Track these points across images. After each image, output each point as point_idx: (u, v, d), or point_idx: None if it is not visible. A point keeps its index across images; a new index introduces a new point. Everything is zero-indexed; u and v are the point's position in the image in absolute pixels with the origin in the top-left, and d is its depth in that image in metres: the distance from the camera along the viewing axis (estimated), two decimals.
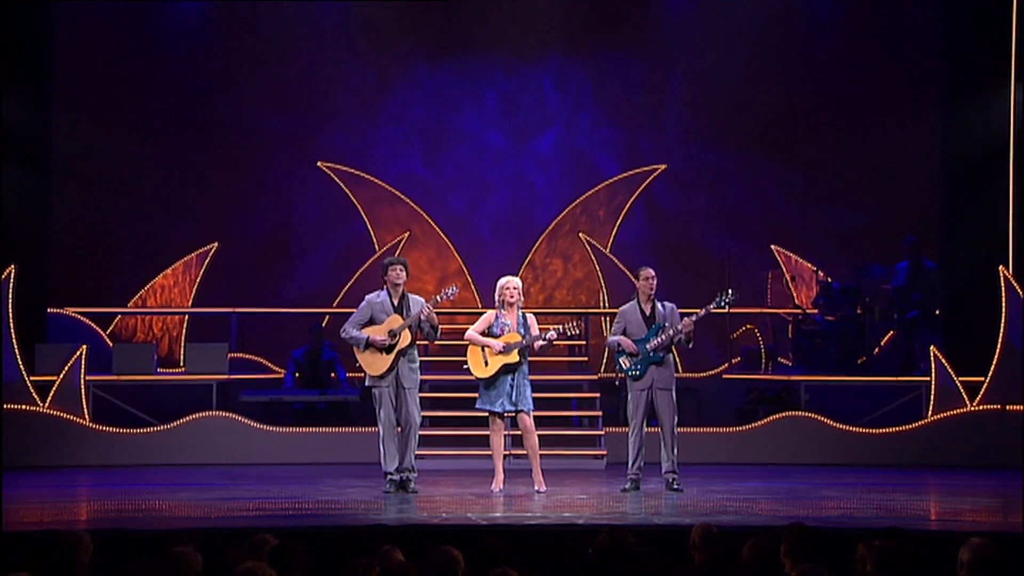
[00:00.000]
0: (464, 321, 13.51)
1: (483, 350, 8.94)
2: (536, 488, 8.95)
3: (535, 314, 9.35)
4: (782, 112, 13.42)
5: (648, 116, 13.68)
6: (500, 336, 8.95)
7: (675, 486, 9.01)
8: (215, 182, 13.45)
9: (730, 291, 9.08)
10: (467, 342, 9.05)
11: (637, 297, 9.16)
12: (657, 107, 13.65)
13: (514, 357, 8.88)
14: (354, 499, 8.81)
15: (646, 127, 13.71)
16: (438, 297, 8.89)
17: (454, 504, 8.58)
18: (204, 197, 13.42)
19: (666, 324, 9.04)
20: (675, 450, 9.07)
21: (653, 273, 9.14)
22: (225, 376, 11.91)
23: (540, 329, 9.00)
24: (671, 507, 8.40)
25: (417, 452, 9.15)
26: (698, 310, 9.04)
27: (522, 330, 8.96)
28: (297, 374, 12.52)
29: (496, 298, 9.09)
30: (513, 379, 8.89)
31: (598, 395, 11.65)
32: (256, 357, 12.95)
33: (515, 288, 9.01)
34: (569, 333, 8.98)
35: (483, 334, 9.02)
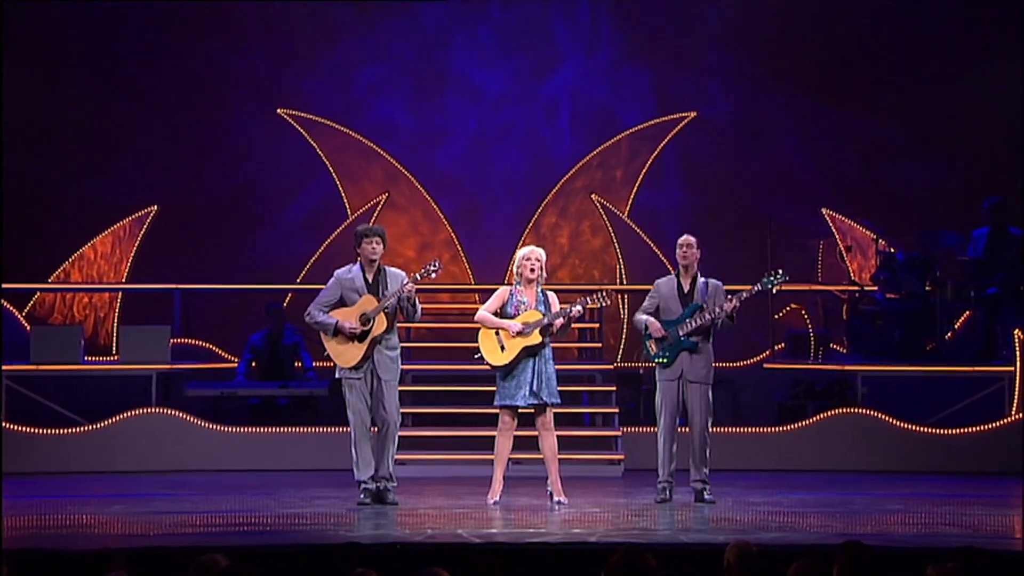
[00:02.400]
0: (447, 300, 13.54)
1: (497, 333, 8.91)
2: (556, 499, 8.95)
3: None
4: (841, 50, 13.36)
5: (679, 54, 13.62)
6: (516, 317, 8.92)
7: (706, 496, 9.01)
8: (155, 133, 13.41)
9: (780, 271, 9.04)
10: (478, 324, 9.01)
11: (678, 270, 9.15)
12: (690, 43, 13.59)
13: (535, 338, 8.85)
14: (322, 512, 8.81)
15: (676, 68, 13.65)
16: (418, 274, 8.84)
17: (441, 518, 8.58)
18: (141, 151, 13.39)
19: (705, 305, 9.01)
20: (707, 455, 9.05)
21: (693, 241, 9.10)
22: (167, 366, 11.90)
23: (562, 307, 8.95)
24: (701, 522, 8.40)
25: (397, 456, 9.14)
26: (748, 287, 8.99)
27: (542, 308, 8.94)
28: (254, 363, 12.51)
29: (514, 271, 9.06)
30: (535, 365, 8.88)
31: (614, 388, 11.64)
32: (204, 343, 12.94)
33: (537, 261, 8.96)
34: (598, 304, 8.94)
35: (495, 314, 8.99)
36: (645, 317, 9.13)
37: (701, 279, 9.11)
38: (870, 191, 13.32)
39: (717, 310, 8.95)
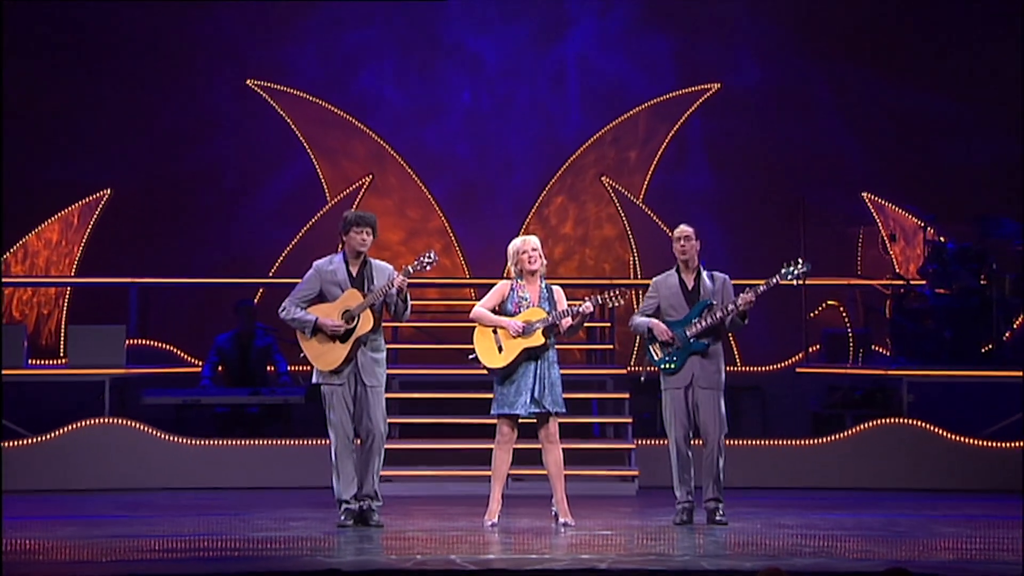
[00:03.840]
0: (436, 296, 13.50)
1: (495, 332, 8.93)
2: (562, 521, 8.95)
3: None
4: (887, 10, 13.31)
5: (703, 17, 13.59)
6: (517, 314, 8.93)
7: (719, 518, 9.00)
8: (109, 107, 13.38)
9: (801, 261, 8.99)
10: (474, 322, 9.02)
11: (677, 265, 9.13)
12: (715, 5, 13.55)
13: (537, 339, 8.85)
14: (298, 536, 8.79)
15: (700, 33, 13.62)
16: (410, 267, 8.81)
17: (432, 542, 8.57)
18: (94, 127, 13.36)
19: (713, 302, 8.99)
20: (721, 471, 9.03)
21: (691, 232, 9.07)
22: (122, 370, 11.87)
23: (569, 305, 8.93)
24: (725, 546, 8.37)
25: (383, 472, 9.13)
26: (760, 282, 8.96)
27: (546, 305, 8.95)
28: (220, 367, 12.50)
29: (512, 266, 9.06)
30: (538, 369, 8.88)
31: (627, 396, 11.63)
32: (164, 344, 12.92)
33: (535, 250, 8.96)
34: (611, 304, 8.93)
35: (494, 311, 9.00)
36: (646, 320, 9.09)
37: (705, 273, 9.08)
38: (918, 171, 13.27)
39: (730, 307, 8.91)
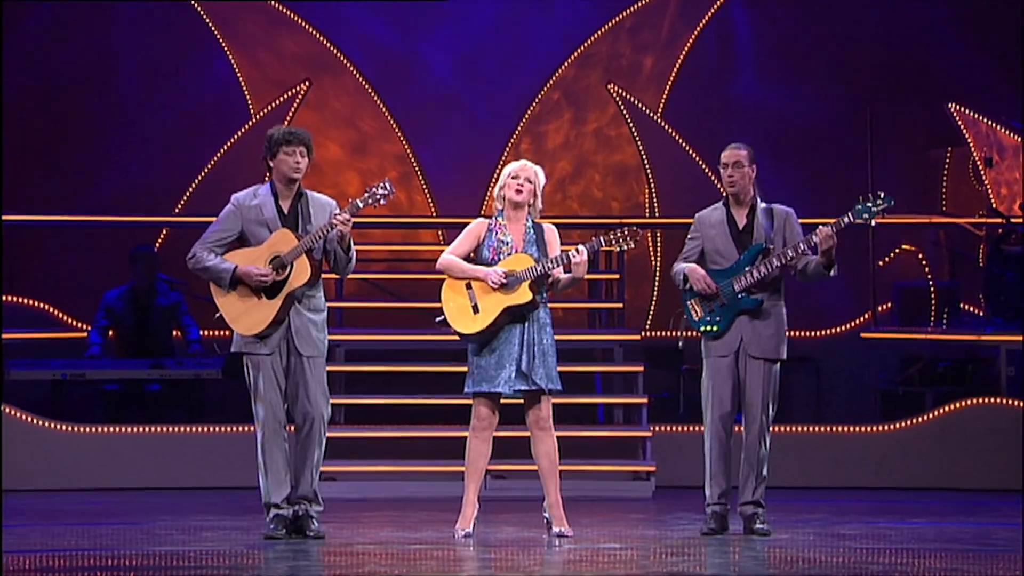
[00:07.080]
0: (380, 238, 13.40)
1: (469, 287, 8.96)
2: (556, 530, 9.00)
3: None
4: None
5: None
6: (496, 263, 8.95)
7: (759, 526, 9.06)
8: None
9: (881, 195, 8.97)
10: (441, 273, 9.03)
11: (726, 198, 9.14)
12: None
13: (523, 294, 8.86)
14: (213, 549, 8.82)
15: None
16: (359, 201, 8.83)
17: (388, 558, 8.61)
18: None
19: (771, 246, 9.00)
20: (765, 466, 9.07)
21: (743, 155, 9.04)
22: None
23: (563, 251, 8.92)
24: (758, 564, 8.42)
25: (324, 468, 9.17)
26: (834, 220, 8.93)
27: (533, 251, 8.97)
28: (111, 331, 12.53)
29: (495, 194, 9.07)
30: (525, 335, 8.91)
31: (641, 368, 11.68)
32: (36, 302, 12.96)
33: (528, 181, 8.90)
34: (618, 248, 8.93)
35: (468, 259, 9.02)
36: (685, 266, 9.10)
37: (762, 207, 9.07)
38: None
39: (798, 248, 8.89)
